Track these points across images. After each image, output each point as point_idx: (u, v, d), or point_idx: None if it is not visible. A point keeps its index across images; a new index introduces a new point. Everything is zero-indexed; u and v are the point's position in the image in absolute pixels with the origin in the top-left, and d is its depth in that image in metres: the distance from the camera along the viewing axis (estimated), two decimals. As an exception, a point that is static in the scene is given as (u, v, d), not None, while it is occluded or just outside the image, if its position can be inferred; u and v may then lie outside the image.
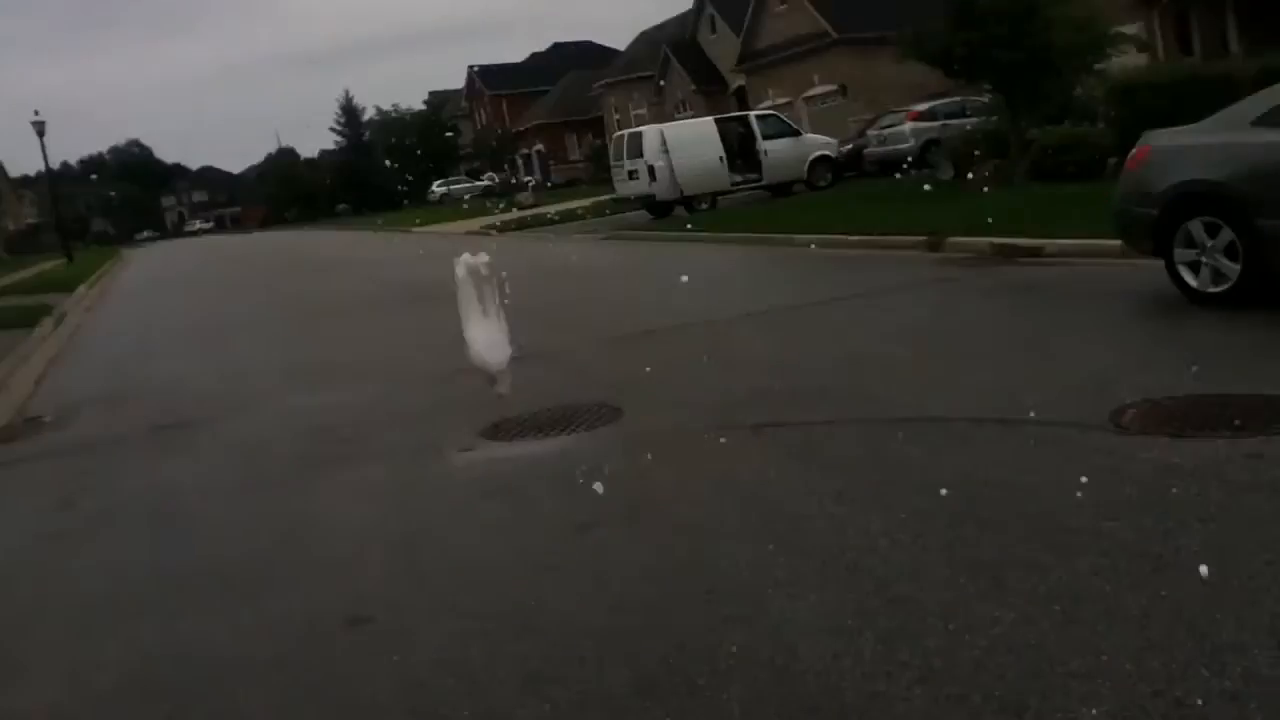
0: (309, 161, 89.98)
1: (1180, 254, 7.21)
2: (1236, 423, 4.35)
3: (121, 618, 4.01)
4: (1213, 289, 6.97)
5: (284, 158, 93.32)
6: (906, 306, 8.64)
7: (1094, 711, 2.50)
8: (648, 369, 7.17)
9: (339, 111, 79.12)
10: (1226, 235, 6.88)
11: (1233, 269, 6.85)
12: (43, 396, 9.75)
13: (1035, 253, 10.51)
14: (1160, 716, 2.45)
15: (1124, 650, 2.74)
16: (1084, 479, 3.91)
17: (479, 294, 3.27)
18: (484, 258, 3.38)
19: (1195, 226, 7.11)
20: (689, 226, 19.40)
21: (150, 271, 33.66)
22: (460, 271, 3.24)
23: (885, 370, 6.30)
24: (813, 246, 13.73)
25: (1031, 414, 4.85)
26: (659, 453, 5.16)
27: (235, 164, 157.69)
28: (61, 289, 23.94)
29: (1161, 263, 7.36)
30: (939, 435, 4.82)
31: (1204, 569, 3.02)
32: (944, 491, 4.06)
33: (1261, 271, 6.72)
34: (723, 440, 5.22)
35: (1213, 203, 7.06)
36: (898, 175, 21.02)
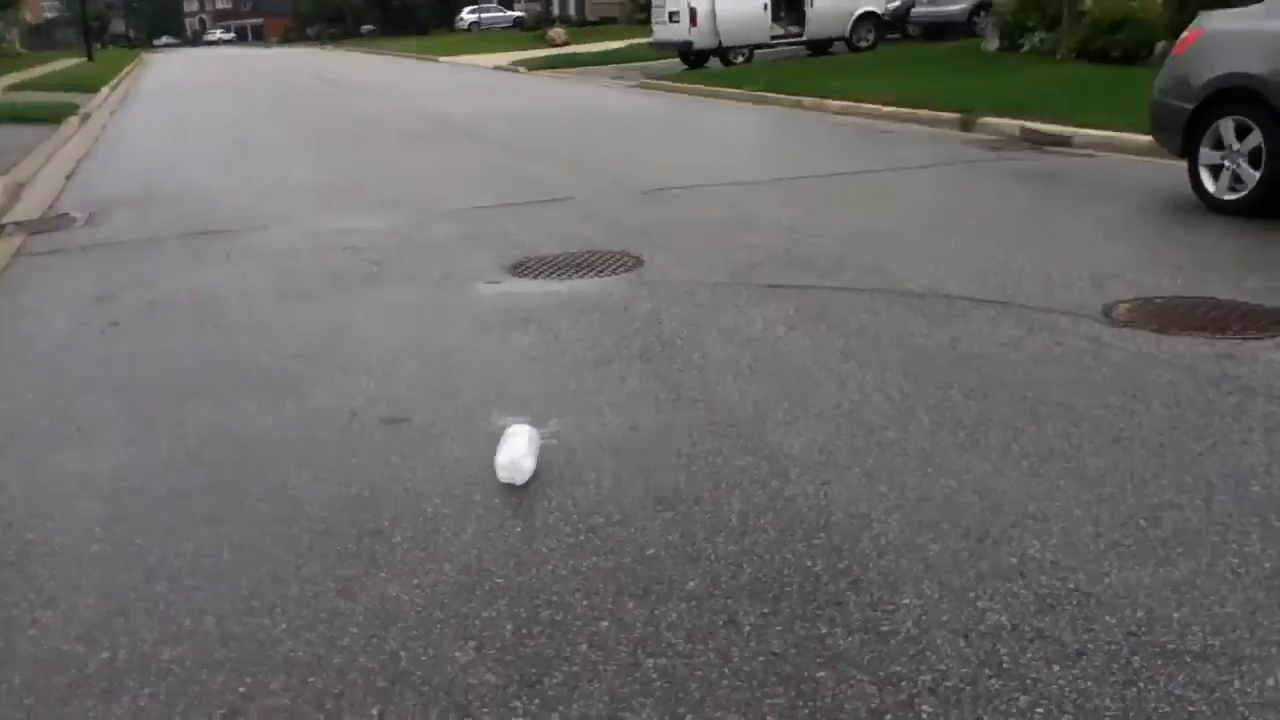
0: None
1: (1205, 155, 7.10)
2: (1218, 325, 4.67)
3: (171, 400, 4.36)
4: (1228, 196, 6.92)
5: None
6: (929, 186, 8.85)
7: (1040, 544, 2.89)
8: (671, 223, 7.45)
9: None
10: (1255, 139, 6.70)
11: (1252, 176, 6.73)
12: (72, 194, 9.99)
13: (1064, 142, 10.61)
14: (1096, 553, 2.83)
15: (1077, 502, 3.12)
16: (1065, 362, 4.27)
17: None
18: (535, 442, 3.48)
19: (1226, 126, 6.92)
20: (723, 81, 19.23)
21: (173, 79, 33.34)
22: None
23: (899, 245, 6.57)
24: (845, 117, 13.79)
25: (1029, 300, 5.16)
26: (676, 301, 5.49)
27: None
28: (83, 89, 23.75)
29: (1185, 164, 7.34)
30: (941, 309, 5.13)
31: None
32: (937, 358, 4.43)
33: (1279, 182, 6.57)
34: (739, 295, 5.54)
35: (1247, 100, 6.78)
36: (942, 41, 20.53)
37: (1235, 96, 6.89)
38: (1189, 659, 2.37)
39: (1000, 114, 11.96)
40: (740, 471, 3.44)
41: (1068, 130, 10.77)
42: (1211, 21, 7.58)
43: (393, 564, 2.93)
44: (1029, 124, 11.31)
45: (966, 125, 12.14)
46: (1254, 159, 6.76)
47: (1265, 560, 2.76)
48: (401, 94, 22.00)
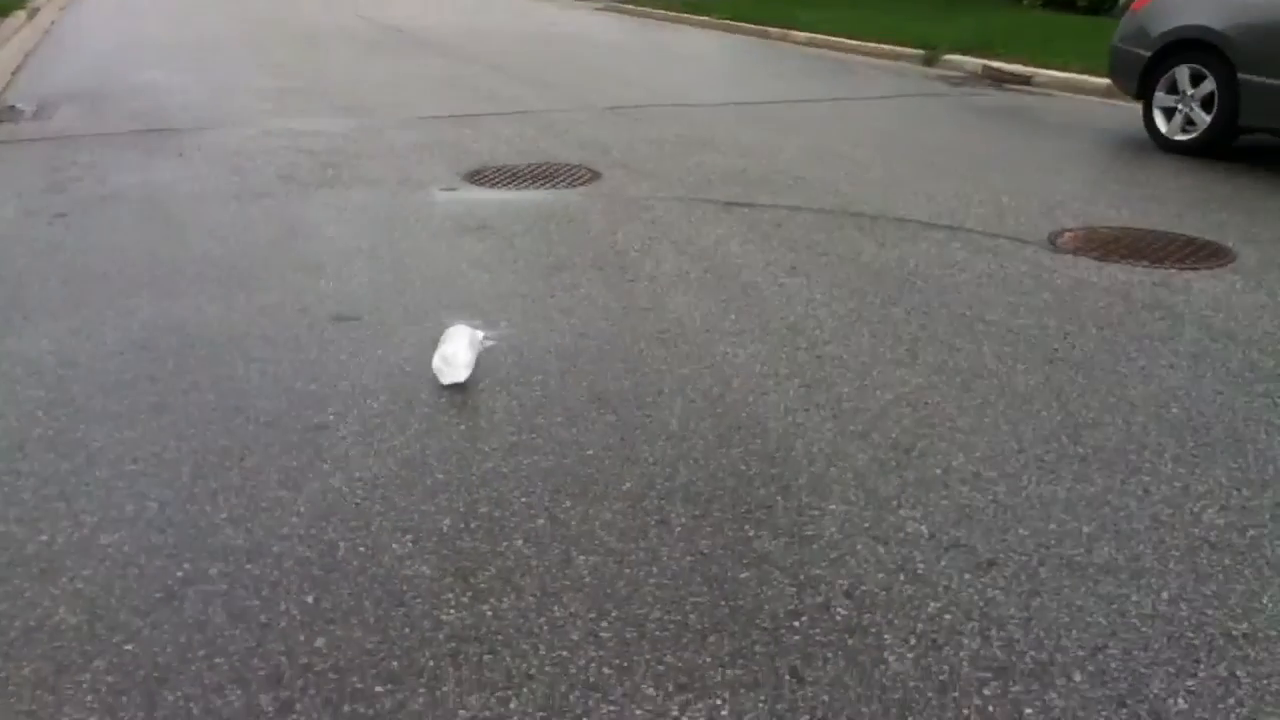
0: None
1: (1160, 98, 7.47)
2: (1157, 255, 4.79)
3: (119, 291, 4.32)
4: (1180, 136, 7.27)
5: None
6: (889, 115, 8.86)
7: (965, 456, 2.99)
8: (631, 140, 7.42)
9: None
10: (1208, 85, 7.08)
11: (1204, 119, 7.10)
12: (19, 88, 9.70)
13: (1024, 81, 10.70)
14: (1019, 466, 2.94)
15: (1004, 417, 3.23)
16: (1006, 284, 4.36)
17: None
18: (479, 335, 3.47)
19: (1181, 72, 7.30)
20: (691, 8, 19.00)
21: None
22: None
23: (856, 169, 6.61)
24: (810, 49, 13.73)
25: (978, 225, 5.24)
26: (631, 215, 5.50)
27: None
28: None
29: (1140, 106, 7.62)
30: (892, 232, 5.19)
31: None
32: (884, 277, 4.50)
33: (1229, 125, 6.97)
34: (694, 211, 5.57)
35: (1203, 50, 7.14)
36: None
37: (1191, 46, 7.26)
38: (1093, 571, 2.49)
39: (964, 52, 11.98)
40: (684, 379, 3.51)
41: (1029, 70, 10.84)
42: None
43: (336, 457, 2.97)
44: (992, 63, 11.35)
45: (930, 61, 12.15)
46: (1206, 104, 7.14)
47: (1175, 480, 2.89)
48: (367, 2, 21.47)
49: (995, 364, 3.61)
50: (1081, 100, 9.60)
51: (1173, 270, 4.58)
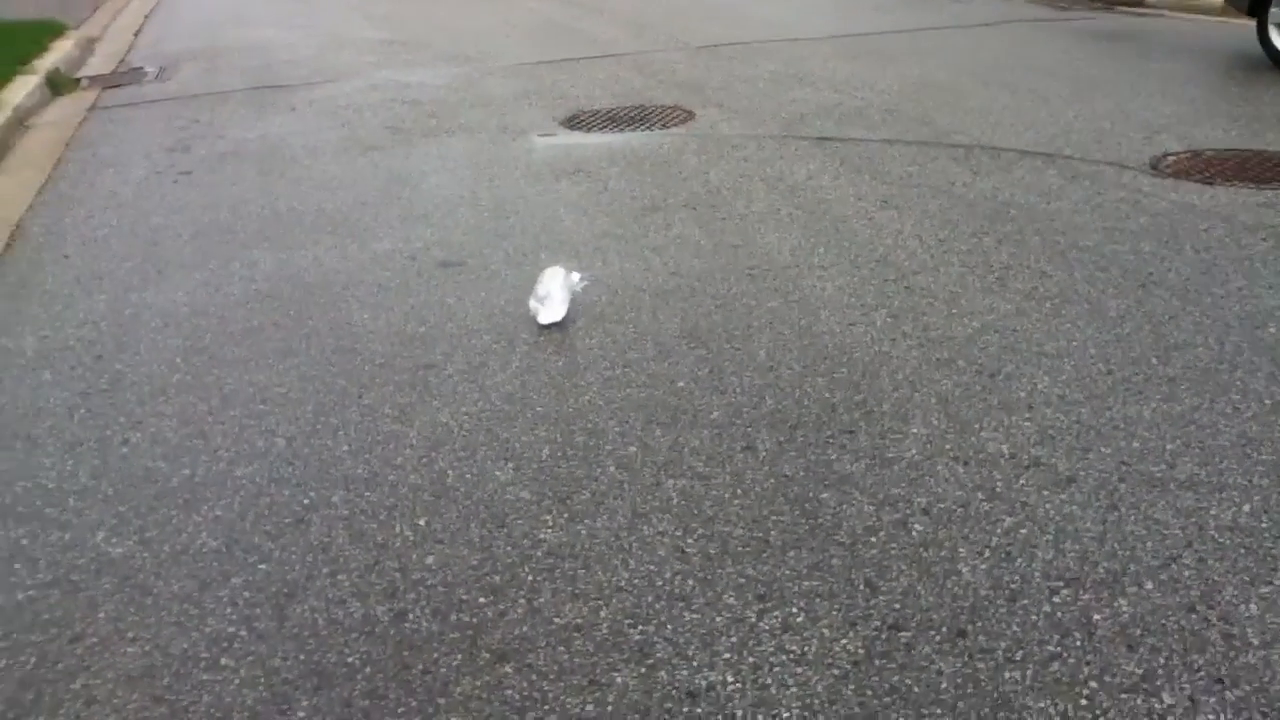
0: None
1: (1275, 14, 7.08)
2: (1265, 176, 4.67)
3: (243, 244, 4.61)
4: None
5: None
6: (992, 42, 8.66)
7: (1050, 379, 3.04)
8: (725, 79, 7.45)
9: None
10: None
11: None
12: (142, 49, 10.17)
13: (1137, 2, 10.30)
14: (1104, 389, 2.98)
15: (1093, 341, 3.26)
16: (1103, 210, 4.32)
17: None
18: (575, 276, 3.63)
19: None
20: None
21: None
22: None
23: (953, 99, 6.53)
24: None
25: (1077, 152, 5.17)
26: (723, 154, 5.58)
27: None
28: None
29: (1255, 24, 7.29)
30: (987, 161, 5.16)
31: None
32: (976, 207, 4.50)
33: None
34: (786, 148, 5.61)
35: None
36: None
37: None
38: (1173, 486, 2.54)
39: (1075, -27, 11.54)
40: (771, 312, 3.62)
41: (1143, -10, 10.41)
42: None
43: (444, 394, 3.18)
44: (1102, -17, 10.93)
45: (1038, -18, 11.74)
46: None
47: (1266, 397, 2.90)
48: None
49: (1087, 289, 3.63)
50: (1197, 20, 9.23)
51: (1279, 191, 4.47)
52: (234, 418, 3.12)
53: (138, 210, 5.17)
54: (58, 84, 8.21)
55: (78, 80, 8.58)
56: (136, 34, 11.25)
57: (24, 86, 7.69)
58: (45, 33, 9.97)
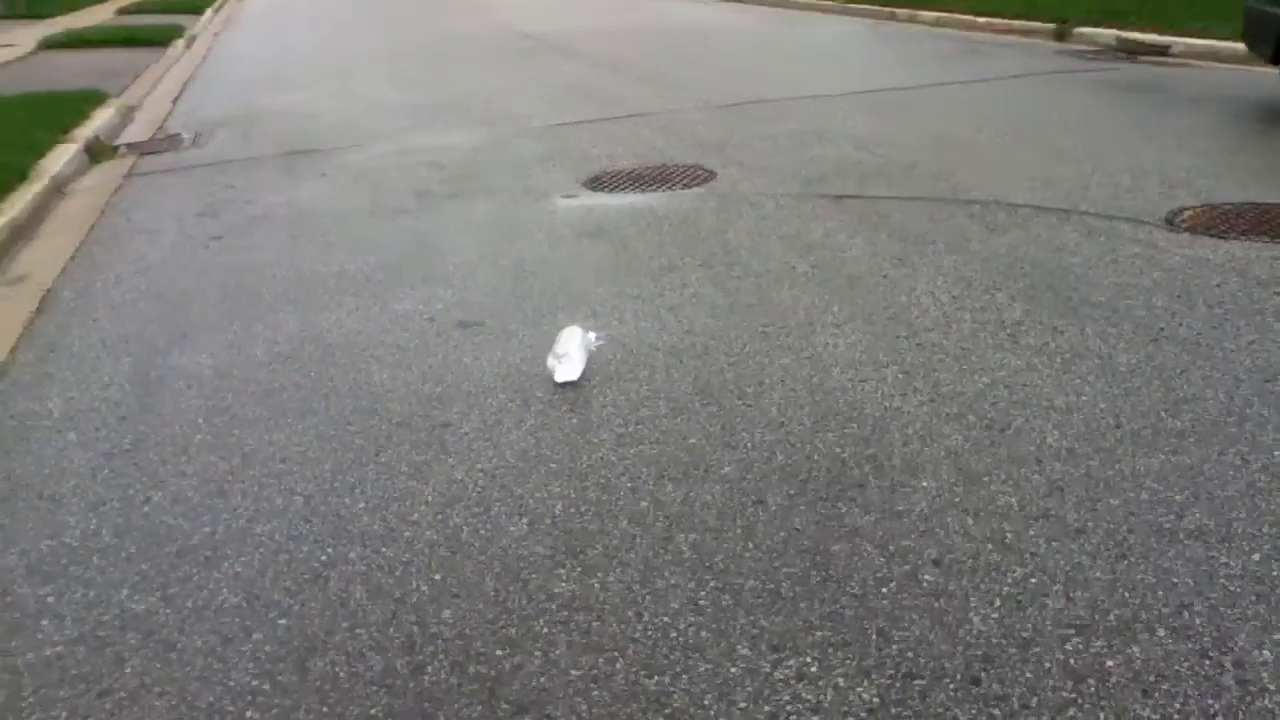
0: None
1: None
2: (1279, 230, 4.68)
3: (268, 307, 4.71)
4: None
5: None
6: (1013, 96, 8.75)
7: (1059, 433, 3.06)
8: (747, 137, 7.57)
9: None
10: None
11: None
12: (180, 115, 10.44)
13: (1161, 51, 10.34)
14: (1113, 442, 2.99)
15: (1102, 395, 3.27)
16: (1117, 266, 4.35)
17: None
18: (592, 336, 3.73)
19: None
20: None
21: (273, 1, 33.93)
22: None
23: (973, 155, 6.60)
24: (938, 28, 13.57)
25: (1093, 207, 5.20)
26: (743, 213, 5.66)
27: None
28: (189, 10, 24.32)
29: (1277, 72, 7.26)
30: (1002, 217, 5.21)
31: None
32: (991, 263, 4.54)
33: None
34: (804, 206, 5.69)
35: None
36: None
37: None
38: (1182, 536, 2.55)
39: (1098, 23, 11.67)
40: (784, 369, 3.66)
41: (1166, 39, 10.48)
42: None
43: (460, 451, 3.23)
44: (1125, 33, 11.03)
45: (1061, 35, 11.88)
46: None
47: (1275, 449, 2.91)
48: (501, 9, 22.12)
49: (1098, 344, 3.65)
50: (1221, 70, 9.28)
51: (1294, 243, 4.49)
52: (254, 476, 3.19)
53: (167, 274, 5.30)
54: (96, 152, 8.46)
55: (115, 148, 8.82)
56: (175, 100, 11.55)
57: (64, 154, 7.93)
58: (87, 102, 10.27)
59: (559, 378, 3.67)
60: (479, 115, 9.27)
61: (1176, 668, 2.10)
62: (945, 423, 3.18)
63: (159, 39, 16.89)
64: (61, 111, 9.51)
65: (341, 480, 3.11)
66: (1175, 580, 2.38)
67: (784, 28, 15.70)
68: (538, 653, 2.30)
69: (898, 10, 15.40)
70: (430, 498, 2.97)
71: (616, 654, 2.28)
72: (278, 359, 4.09)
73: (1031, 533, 2.61)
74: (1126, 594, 2.34)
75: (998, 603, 2.35)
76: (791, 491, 2.87)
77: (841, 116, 8.18)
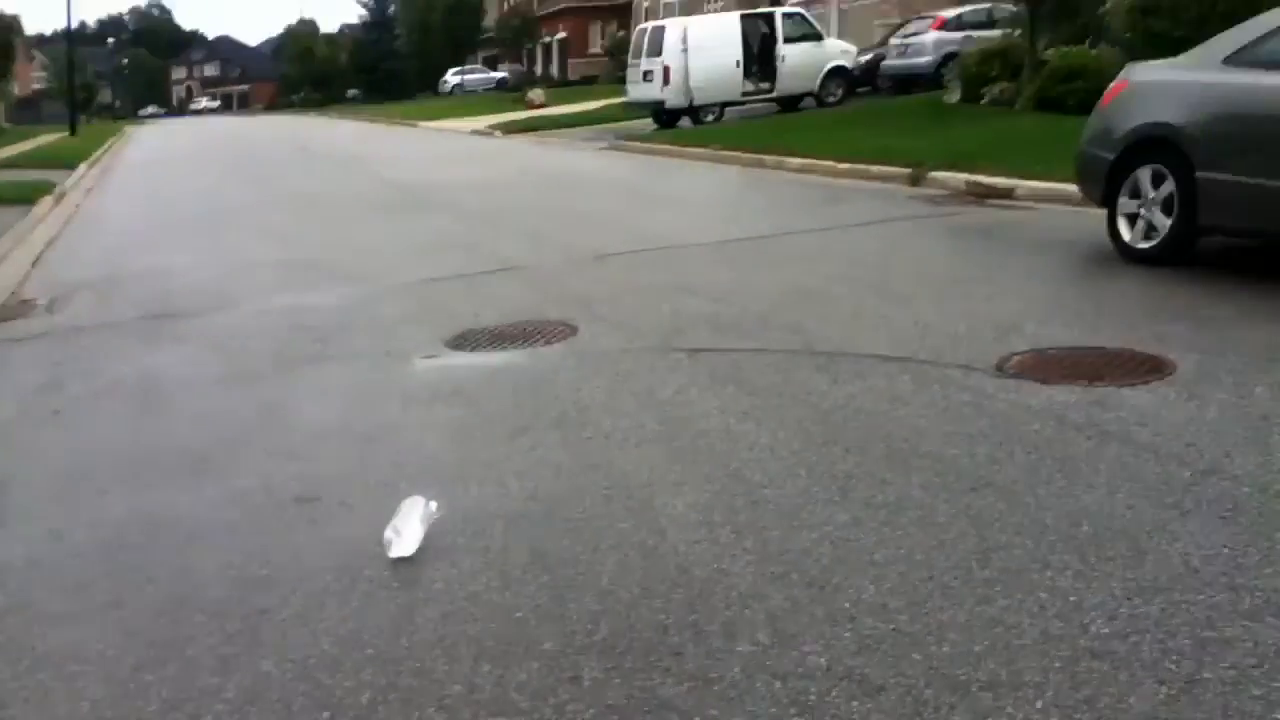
0: (328, 38, 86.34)
1: (1123, 204, 7.26)
2: (1098, 373, 4.89)
3: (98, 489, 4.52)
4: (1142, 244, 7.10)
5: (303, 30, 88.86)
6: (867, 243, 9.13)
7: (875, 588, 3.11)
8: (614, 290, 7.71)
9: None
10: (1168, 187, 6.83)
11: (1165, 224, 6.88)
12: (38, 279, 10.18)
13: (1007, 194, 10.91)
14: (924, 595, 3.05)
15: (920, 547, 3.34)
16: (947, 414, 4.50)
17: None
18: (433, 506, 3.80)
19: (1143, 175, 7.07)
20: (692, 140, 19.63)
21: (152, 152, 33.86)
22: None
23: (824, 305, 6.82)
24: (804, 175, 14.18)
25: (930, 355, 5.39)
26: (600, 369, 5.71)
27: (253, 35, 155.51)
28: (63, 165, 23.92)
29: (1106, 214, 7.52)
30: (846, 367, 5.36)
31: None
32: (831, 416, 4.65)
33: (1189, 229, 6.78)
34: (660, 360, 5.77)
35: (1163, 150, 6.93)
36: (910, 94, 20.56)
37: (1153, 146, 7.08)
38: (974, 689, 2.60)
39: (950, 168, 12.29)
40: (620, 534, 3.65)
41: (1011, 182, 11.07)
42: (1137, 72, 7.84)
43: (273, 640, 3.12)
44: (975, 177, 11.62)
45: (916, 181, 12.47)
46: (1166, 207, 6.95)
47: (1071, 594, 2.99)
48: (374, 161, 22.48)
49: (921, 495, 3.73)
50: (1060, 211, 9.76)
51: (1111, 388, 4.68)
52: (39, 681, 3.01)
53: (-3, 455, 5.11)
54: (-58, 323, 8.19)
55: (-39, 318, 8.56)
56: (34, 264, 11.27)
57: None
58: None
59: (393, 553, 3.60)
60: (347, 272, 9.28)
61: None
62: (769, 583, 3.19)
63: (25, 197, 16.49)
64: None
65: (139, 680, 2.96)
66: (965, 736, 2.40)
67: (657, 176, 16.23)
68: None
69: (766, 157, 16.05)
70: (231, 694, 2.85)
71: None
72: (98, 546, 3.94)
73: (834, 693, 2.62)
74: (923, 755, 2.35)
75: (800, 771, 2.33)
76: (609, 665, 2.83)
77: (704, 267, 8.41)
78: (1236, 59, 6.80)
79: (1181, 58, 7.53)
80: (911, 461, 4.04)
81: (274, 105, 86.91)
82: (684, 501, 3.88)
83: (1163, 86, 7.34)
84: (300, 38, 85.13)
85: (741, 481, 4.02)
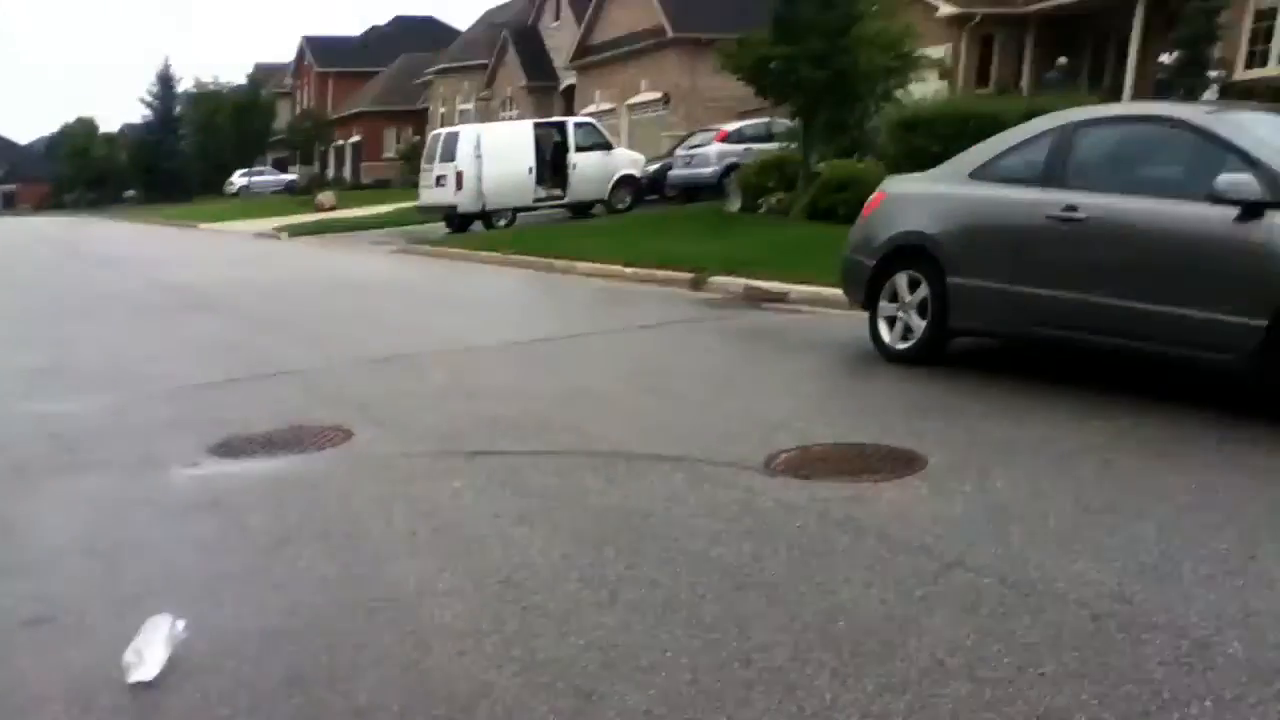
0: (107, 136, 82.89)
1: (883, 307, 7.74)
2: (857, 469, 5.13)
3: None
4: (900, 345, 7.57)
5: (81, 128, 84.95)
6: (648, 345, 9.34)
7: (640, 695, 3.09)
8: (393, 393, 7.56)
9: (154, 81, 71.49)
10: (923, 291, 7.36)
11: (920, 325, 7.38)
12: None
13: (781, 298, 11.46)
14: (688, 700, 3.06)
15: (685, 650, 3.36)
16: (716, 513, 4.60)
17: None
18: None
19: (901, 280, 7.57)
20: (483, 245, 19.72)
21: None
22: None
23: (605, 405, 6.90)
24: (593, 279, 14.44)
25: (704, 454, 5.52)
26: (374, 475, 5.56)
27: (24, 133, 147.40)
28: None
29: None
30: (622, 468, 5.41)
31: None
32: (605, 518, 4.67)
33: (941, 330, 7.29)
34: (437, 465, 5.67)
35: (918, 257, 7.46)
36: (695, 202, 21.43)
37: (909, 253, 7.62)
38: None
39: (729, 273, 12.83)
40: (384, 648, 3.52)
41: (785, 287, 11.65)
42: (893, 185, 8.49)
43: (-15, 784, 2.83)
44: (752, 282, 12.17)
45: (697, 284, 12.95)
46: (922, 310, 7.48)
47: (826, 693, 3.07)
48: (148, 263, 21.50)
49: (688, 595, 3.77)
50: (829, 314, 10.29)
51: (869, 483, 4.92)
52: None
53: None
54: None
55: None
56: None
57: None
58: None
59: (133, 678, 3.35)
60: (108, 378, 8.76)
61: None
62: (533, 694, 3.14)
63: None
64: None
65: None
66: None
67: (447, 280, 16.18)
68: None
69: (556, 261, 16.30)
70: None
71: None
72: None
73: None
74: None
75: None
76: (362, 792, 2.69)
77: (487, 369, 8.39)
78: (981, 173, 7.44)
79: (933, 171, 8.17)
80: (680, 561, 4.09)
81: (44, 206, 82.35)
82: (452, 612, 3.78)
83: (916, 198, 7.94)
84: (76, 136, 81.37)
85: (513, 588, 3.96)
